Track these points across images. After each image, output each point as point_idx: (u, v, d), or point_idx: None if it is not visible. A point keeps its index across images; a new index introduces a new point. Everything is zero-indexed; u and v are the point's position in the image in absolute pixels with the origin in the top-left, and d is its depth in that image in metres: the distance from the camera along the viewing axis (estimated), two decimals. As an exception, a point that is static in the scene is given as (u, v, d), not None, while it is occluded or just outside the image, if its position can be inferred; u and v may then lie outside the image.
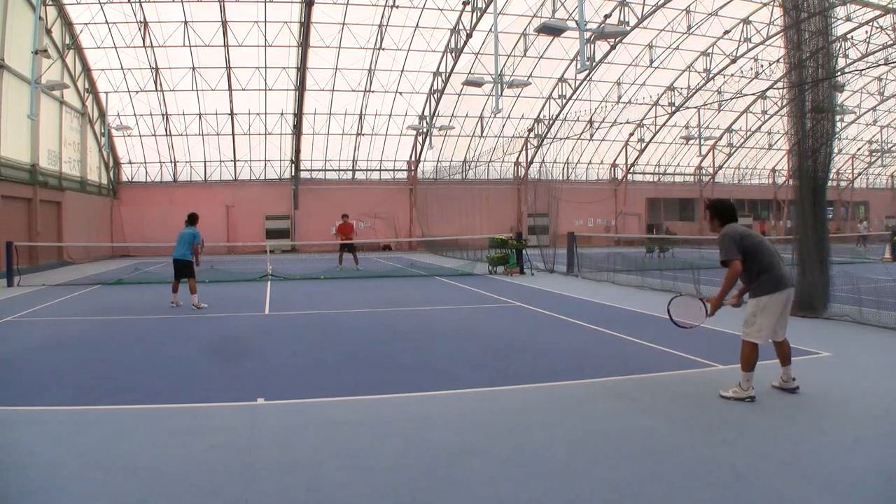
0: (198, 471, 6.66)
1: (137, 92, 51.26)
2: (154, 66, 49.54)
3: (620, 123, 60.10)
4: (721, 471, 6.50)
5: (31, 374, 11.32)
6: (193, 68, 50.04)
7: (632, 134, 64.67)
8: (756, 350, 9.18)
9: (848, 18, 45.36)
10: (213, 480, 6.39)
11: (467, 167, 61.39)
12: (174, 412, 8.98)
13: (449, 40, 49.75)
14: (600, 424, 8.18)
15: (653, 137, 64.80)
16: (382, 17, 47.04)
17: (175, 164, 57.71)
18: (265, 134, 56.27)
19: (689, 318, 9.86)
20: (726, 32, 52.40)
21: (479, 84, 40.13)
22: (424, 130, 56.13)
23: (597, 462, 6.83)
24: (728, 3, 48.85)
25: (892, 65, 51.49)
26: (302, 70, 49.64)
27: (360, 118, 56.91)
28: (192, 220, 21.43)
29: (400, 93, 54.80)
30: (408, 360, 12.42)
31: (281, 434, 7.90)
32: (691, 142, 63.99)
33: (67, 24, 43.87)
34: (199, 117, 54.47)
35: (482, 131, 59.78)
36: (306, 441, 7.64)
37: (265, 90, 52.34)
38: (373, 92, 54.31)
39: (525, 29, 48.17)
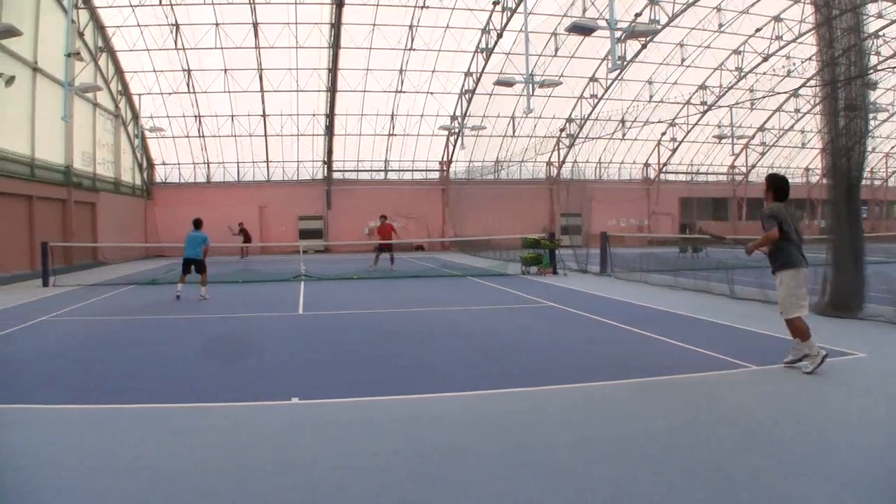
0: (232, 469, 6.73)
1: (170, 94, 51.69)
2: (186, 69, 49.86)
3: (652, 123, 59.85)
4: (753, 473, 6.49)
5: (60, 373, 11.51)
6: (225, 70, 50.37)
7: (664, 133, 64.37)
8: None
9: (879, 15, 45.02)
10: (247, 478, 6.47)
11: (499, 167, 61.37)
12: (193, 411, 9.09)
13: (479, 40, 49.80)
14: (634, 425, 8.14)
15: (685, 136, 64.53)
16: (413, 18, 47.20)
17: (208, 165, 58.14)
18: (297, 135, 56.59)
19: None
20: (757, 30, 52.07)
21: (510, 84, 40.07)
22: (456, 131, 56.10)
23: (634, 465, 6.81)
24: (759, 0, 48.56)
25: (925, 62, 51.00)
26: (333, 71, 49.85)
27: (392, 119, 57.02)
28: (199, 225, 24.40)
29: (431, 93, 54.89)
30: (443, 360, 12.44)
31: (324, 430, 7.98)
32: (724, 141, 63.64)
33: (100, 28, 44.31)
34: (232, 119, 54.80)
35: (514, 131, 59.75)
36: (341, 439, 7.67)
37: (297, 91, 52.57)
38: (404, 92, 54.43)
39: (556, 28, 48.11)
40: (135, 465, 6.85)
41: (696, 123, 62.03)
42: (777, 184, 11.20)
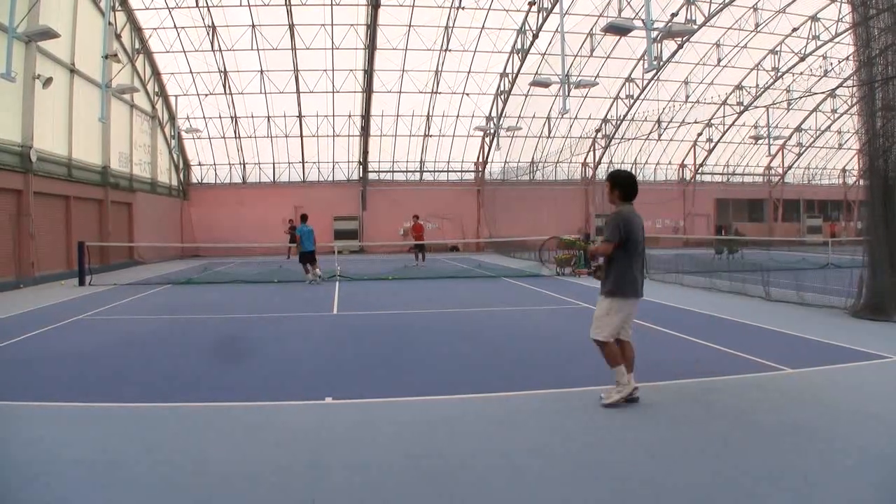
0: (265, 469, 6.78)
1: (206, 95, 52.04)
2: (223, 70, 50.14)
3: (688, 123, 59.61)
4: (793, 477, 6.46)
5: (91, 372, 11.67)
6: (262, 71, 50.61)
7: (700, 134, 63.98)
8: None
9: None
10: (281, 476, 6.51)
11: (535, 168, 61.30)
12: (216, 411, 9.19)
13: (515, 41, 49.76)
14: (668, 429, 8.17)
15: (721, 137, 64.10)
16: (448, 19, 47.16)
17: (244, 166, 58.43)
18: (333, 136, 56.76)
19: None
20: (794, 30, 51.75)
21: (546, 85, 39.94)
22: (492, 131, 56.08)
23: (672, 468, 6.85)
24: (795, 0, 48.34)
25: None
26: (369, 72, 49.99)
27: (428, 119, 57.05)
28: (305, 219, 29.26)
29: (467, 94, 54.83)
30: (477, 360, 12.47)
31: (355, 430, 8.05)
32: (760, 141, 63.15)
33: (137, 30, 44.77)
34: (268, 119, 55.06)
35: (549, 132, 59.61)
36: (370, 438, 7.74)
37: (333, 92, 52.72)
38: (440, 93, 54.46)
39: (591, 29, 48.03)
40: (154, 462, 6.95)
41: (732, 124, 61.64)
42: (624, 181, 9.64)
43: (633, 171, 62.67)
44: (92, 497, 6.14)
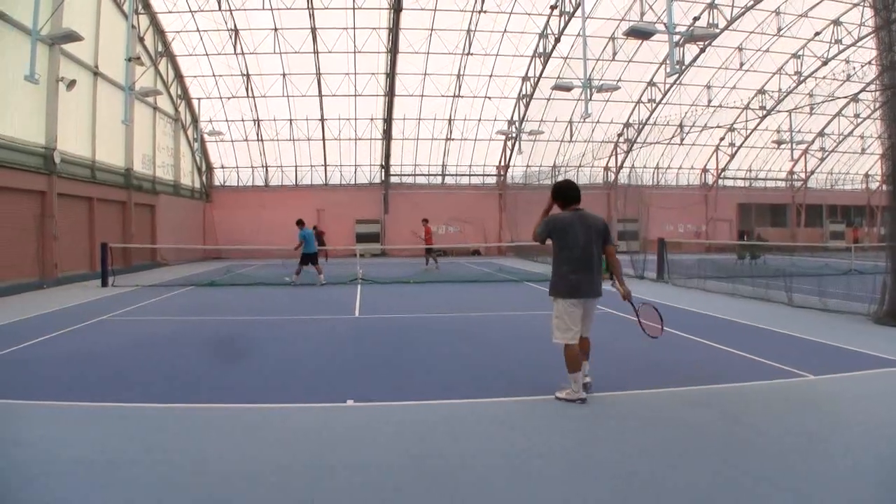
0: (266, 469, 6.81)
1: (229, 98, 52.18)
2: (245, 73, 50.29)
3: (711, 128, 59.29)
4: (804, 484, 6.44)
5: (125, 371, 11.69)
6: (284, 75, 50.71)
7: (722, 138, 63.62)
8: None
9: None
10: (282, 476, 6.56)
11: (557, 172, 61.08)
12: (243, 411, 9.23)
13: (537, 45, 49.73)
14: (682, 433, 8.10)
15: (744, 142, 63.78)
16: (470, 23, 47.18)
17: (266, 169, 58.55)
18: (355, 139, 56.84)
19: (651, 321, 9.89)
20: (817, 34, 51.40)
21: (568, 88, 39.84)
22: (514, 135, 56.06)
23: (679, 468, 6.84)
24: (818, 4, 48.01)
25: None
26: (391, 76, 50.02)
27: (450, 123, 56.98)
28: (301, 223, 29.84)
29: (489, 97, 54.78)
30: (492, 364, 12.41)
31: (360, 431, 8.06)
32: (783, 146, 62.86)
33: (160, 33, 45.06)
34: (290, 123, 55.16)
35: (571, 136, 59.51)
36: (394, 440, 7.76)
37: (355, 96, 52.79)
38: (462, 97, 54.43)
39: (613, 32, 47.97)
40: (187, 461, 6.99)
41: (754, 128, 61.39)
42: (559, 192, 9.98)
43: (655, 176, 63.08)
44: (91, 497, 6.17)
